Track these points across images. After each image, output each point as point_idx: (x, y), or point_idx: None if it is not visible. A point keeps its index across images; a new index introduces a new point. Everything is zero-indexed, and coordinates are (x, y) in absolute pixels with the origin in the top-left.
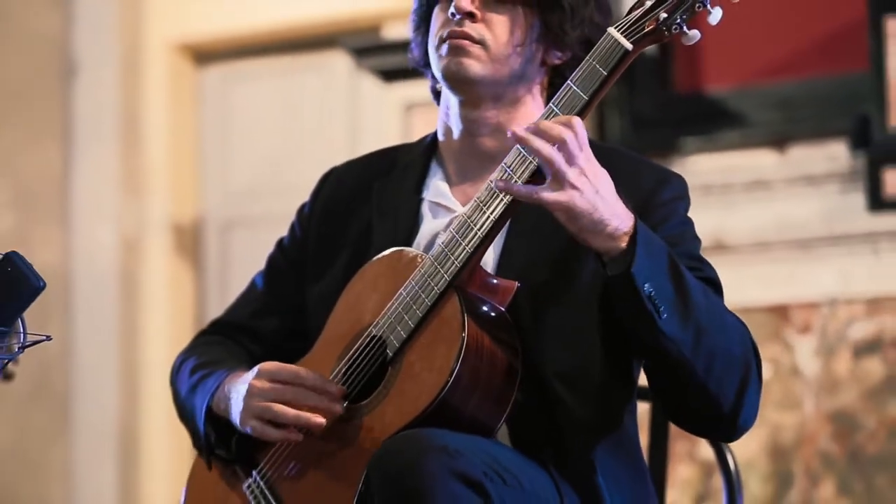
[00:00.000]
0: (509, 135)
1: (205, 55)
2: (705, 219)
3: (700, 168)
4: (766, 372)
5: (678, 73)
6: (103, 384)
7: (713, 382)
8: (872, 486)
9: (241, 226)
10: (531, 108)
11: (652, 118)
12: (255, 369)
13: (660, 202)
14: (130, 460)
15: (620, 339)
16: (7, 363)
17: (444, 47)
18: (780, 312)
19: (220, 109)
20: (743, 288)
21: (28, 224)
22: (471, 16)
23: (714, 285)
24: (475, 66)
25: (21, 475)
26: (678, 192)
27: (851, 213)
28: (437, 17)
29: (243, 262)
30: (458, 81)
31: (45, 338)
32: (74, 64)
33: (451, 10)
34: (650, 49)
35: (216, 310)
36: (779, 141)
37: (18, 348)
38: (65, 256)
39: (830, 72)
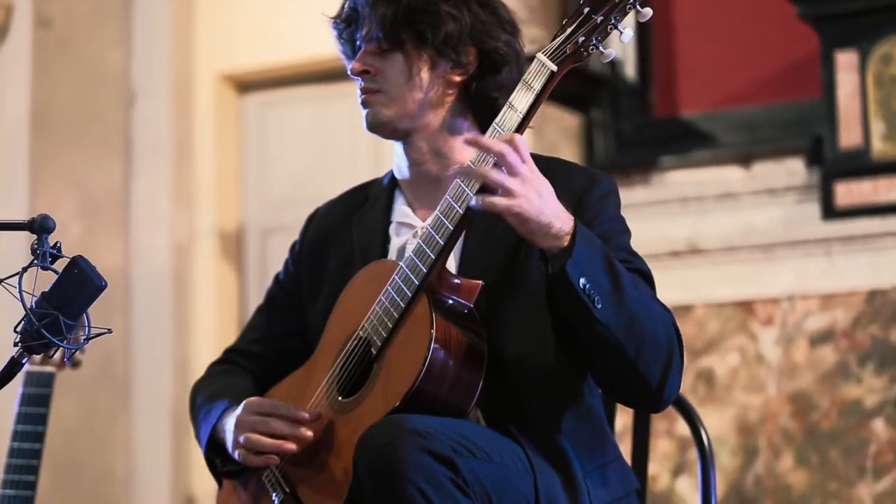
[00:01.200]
0: (449, 173)
1: (246, 84)
2: (681, 226)
3: (676, 182)
4: (735, 359)
5: (656, 99)
6: (159, 370)
7: (641, 363)
8: (826, 457)
9: (278, 232)
10: (456, 125)
11: (633, 139)
12: (242, 404)
13: (592, 200)
14: (183, 435)
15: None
16: (75, 352)
17: (360, 105)
18: (746, 307)
19: (259, 131)
20: (714, 286)
21: (93, 232)
22: (365, 73)
23: (643, 275)
24: (382, 111)
25: (89, 449)
26: (607, 189)
27: (807, 220)
28: None
29: (279, 263)
30: (376, 128)
31: (107, 330)
32: (134, 92)
33: (349, 73)
34: (632, 78)
35: (256, 305)
36: (744, 158)
37: (84, 339)
38: (125, 260)
39: (789, 99)
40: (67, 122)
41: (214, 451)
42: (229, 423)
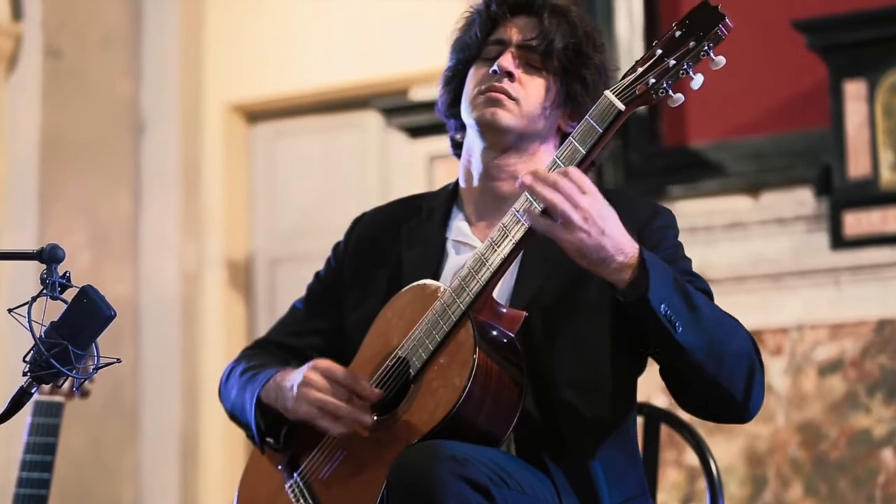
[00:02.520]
0: (517, 184)
1: (255, 114)
2: (690, 255)
3: (685, 212)
4: None
5: (666, 129)
6: (167, 399)
7: (725, 378)
8: (835, 487)
9: (287, 262)
10: (542, 161)
11: (643, 168)
12: (311, 363)
13: (653, 230)
14: (191, 464)
15: (625, 349)
16: (83, 382)
17: (482, 98)
18: (755, 337)
19: (268, 161)
20: None
21: (103, 261)
22: (510, 75)
23: (708, 295)
24: (508, 117)
25: (97, 478)
26: (668, 221)
27: (816, 250)
28: (474, 74)
29: (288, 293)
30: (490, 129)
31: (115, 360)
32: (143, 122)
33: (494, 66)
34: (641, 108)
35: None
36: (753, 188)
37: (93, 369)
38: (134, 289)
39: (797, 128)
40: (77, 151)
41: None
42: (290, 380)
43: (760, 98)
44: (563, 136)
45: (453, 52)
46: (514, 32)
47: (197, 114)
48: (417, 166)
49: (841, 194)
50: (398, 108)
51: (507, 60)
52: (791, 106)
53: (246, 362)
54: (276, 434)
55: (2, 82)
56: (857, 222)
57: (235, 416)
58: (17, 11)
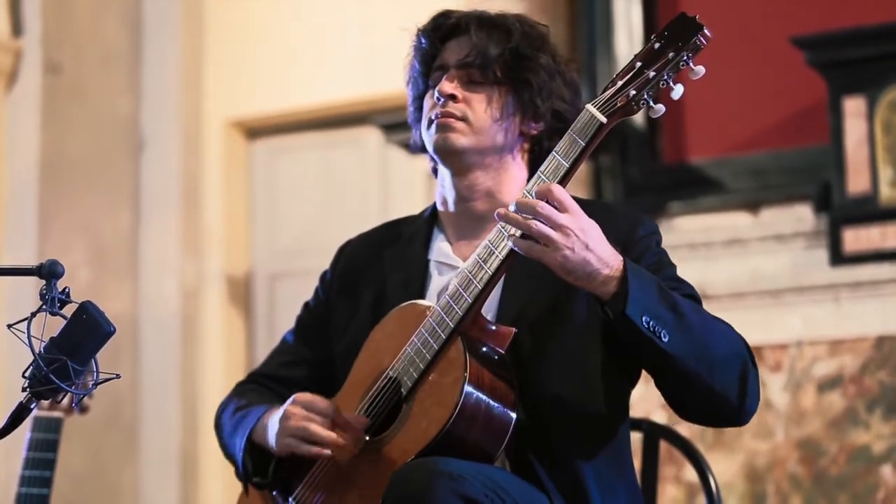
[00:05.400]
0: (496, 216)
1: (255, 131)
2: (689, 272)
3: (684, 228)
4: None
5: (665, 145)
6: (167, 415)
7: (718, 384)
8: None
9: (286, 279)
10: (515, 173)
11: (642, 185)
12: (291, 398)
13: (636, 239)
14: (191, 481)
15: (615, 361)
16: (83, 398)
17: (433, 126)
18: (755, 353)
19: (268, 178)
20: None
21: (103, 278)
22: (453, 97)
23: (695, 300)
24: (460, 139)
25: (97, 495)
26: (650, 230)
27: (815, 267)
28: (426, 104)
29: (288, 310)
30: (447, 154)
31: (115, 376)
32: (143, 140)
33: (436, 94)
34: (640, 124)
35: (264, 350)
36: (752, 204)
37: (92, 385)
38: (134, 305)
39: (797, 145)
40: (76, 168)
41: (249, 456)
42: (273, 419)
43: (760, 115)
44: (531, 140)
45: (408, 89)
46: (450, 55)
47: (197, 130)
48: (417, 182)
49: (840, 211)
50: (398, 125)
51: (445, 84)
52: (790, 122)
53: (237, 400)
54: (264, 471)
55: (1, 98)
56: (856, 239)
57: (227, 454)
58: (17, 27)
